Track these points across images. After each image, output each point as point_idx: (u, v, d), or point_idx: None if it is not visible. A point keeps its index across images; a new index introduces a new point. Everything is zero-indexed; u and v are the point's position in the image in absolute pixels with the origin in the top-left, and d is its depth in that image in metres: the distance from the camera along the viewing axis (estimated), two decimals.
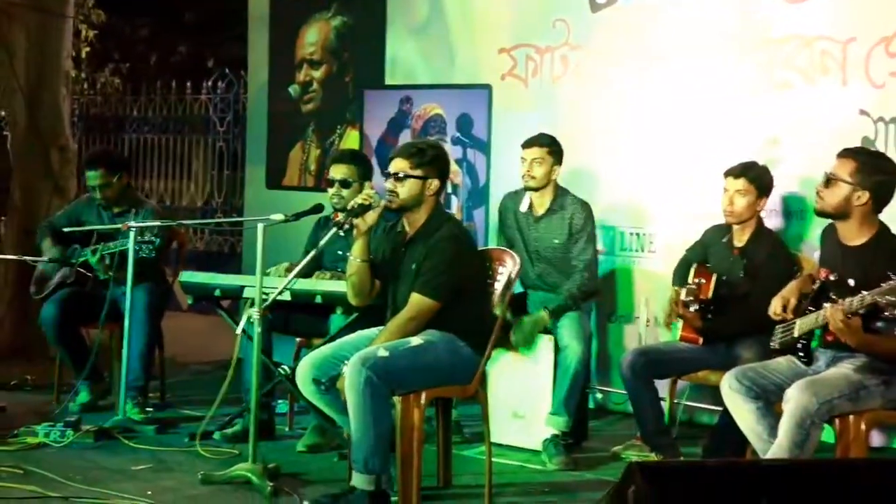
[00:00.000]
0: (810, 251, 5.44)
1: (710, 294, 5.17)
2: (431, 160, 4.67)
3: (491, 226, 6.65)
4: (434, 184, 4.67)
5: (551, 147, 5.70)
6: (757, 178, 5.22)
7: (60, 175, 8.00)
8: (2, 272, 7.84)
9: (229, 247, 10.48)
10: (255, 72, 8.06)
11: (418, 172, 4.63)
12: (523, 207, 5.81)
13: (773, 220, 5.72)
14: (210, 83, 10.68)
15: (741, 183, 5.19)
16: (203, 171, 10.95)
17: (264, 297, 4.81)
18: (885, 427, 5.37)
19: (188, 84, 10.90)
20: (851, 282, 4.18)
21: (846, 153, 4.43)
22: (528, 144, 5.73)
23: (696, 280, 5.24)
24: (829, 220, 4.48)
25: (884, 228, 4.39)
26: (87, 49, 11.96)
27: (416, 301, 4.55)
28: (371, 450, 4.34)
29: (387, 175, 4.70)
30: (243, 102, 9.42)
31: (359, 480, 4.37)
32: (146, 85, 11.47)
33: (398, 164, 4.66)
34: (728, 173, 5.26)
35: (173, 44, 15.14)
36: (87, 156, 6.71)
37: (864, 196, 4.32)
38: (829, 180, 4.35)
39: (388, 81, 7.23)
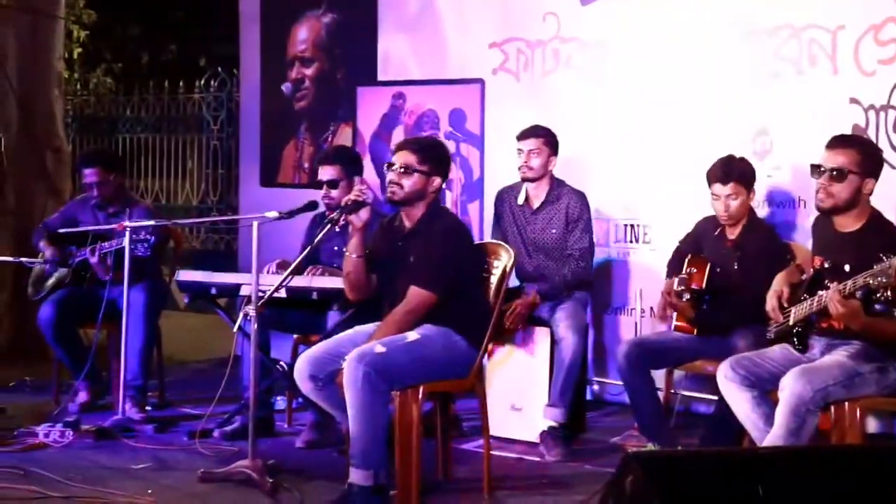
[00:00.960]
0: (802, 240, 5.47)
1: (703, 283, 5.19)
2: (439, 159, 4.71)
3: (486, 220, 6.66)
4: (437, 182, 4.69)
5: (547, 138, 5.72)
6: (742, 175, 5.19)
7: (55, 176, 8.02)
8: None
9: (225, 245, 10.50)
10: (246, 70, 8.06)
11: (425, 168, 4.65)
12: (520, 200, 5.83)
13: (763, 210, 5.75)
14: (202, 82, 10.69)
15: (731, 187, 5.16)
16: (198, 170, 10.96)
17: (261, 294, 4.83)
18: (884, 414, 5.39)
19: (181, 83, 10.91)
20: (847, 267, 4.15)
21: (844, 143, 4.37)
22: (523, 136, 5.75)
23: (689, 269, 5.26)
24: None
25: (877, 213, 4.40)
26: (80, 50, 11.95)
27: (414, 294, 4.56)
28: (370, 445, 4.36)
29: (390, 166, 4.71)
30: (236, 100, 9.41)
31: (358, 476, 4.38)
32: (138, 85, 11.47)
33: (406, 157, 4.67)
34: (714, 180, 5.19)
35: (164, 43, 15.12)
36: (82, 155, 6.74)
37: (871, 184, 4.32)
38: (839, 174, 4.28)
39: (380, 78, 7.23)
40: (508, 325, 5.54)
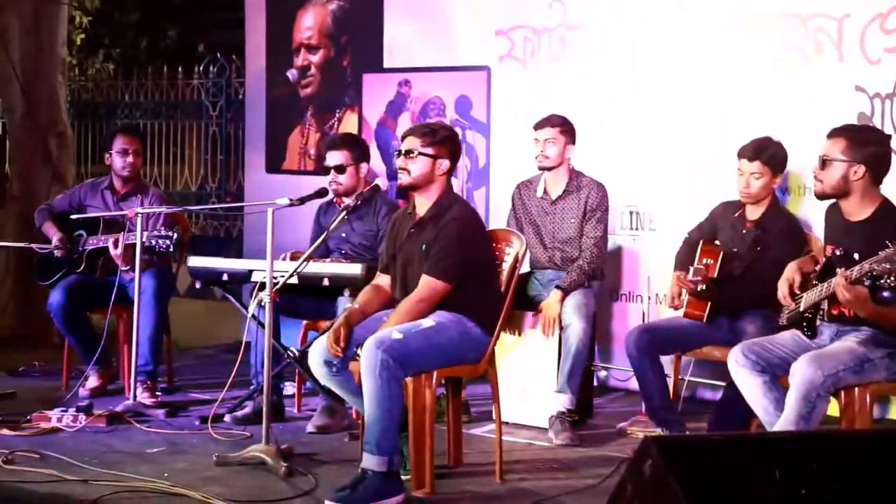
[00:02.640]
0: (808, 228, 5.52)
1: (716, 273, 5.22)
2: (443, 140, 4.71)
3: (492, 207, 6.70)
4: (444, 164, 4.70)
5: (563, 126, 5.73)
6: (772, 157, 5.27)
7: (59, 162, 8.04)
8: (3, 260, 7.86)
9: (225, 231, 10.50)
10: (251, 57, 8.07)
11: (429, 151, 4.67)
12: (539, 192, 5.85)
13: None
14: (201, 68, 10.67)
15: (756, 166, 5.24)
16: (196, 156, 10.94)
17: (274, 280, 4.86)
18: (882, 399, 5.44)
19: (179, 69, 10.88)
20: (856, 255, 4.20)
21: (834, 132, 4.47)
22: (539, 125, 5.76)
23: (704, 260, 5.28)
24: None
25: (887, 202, 4.45)
26: (82, 36, 11.93)
27: (427, 283, 4.58)
28: (384, 432, 4.37)
29: (398, 153, 4.74)
30: (236, 87, 9.42)
31: (372, 462, 4.37)
32: (137, 70, 11.45)
33: (410, 142, 4.71)
34: (742, 155, 5.29)
35: (163, 29, 15.08)
36: (123, 125, 6.91)
37: (861, 170, 4.38)
38: (824, 162, 4.41)
39: (386, 64, 7.25)
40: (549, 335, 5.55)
